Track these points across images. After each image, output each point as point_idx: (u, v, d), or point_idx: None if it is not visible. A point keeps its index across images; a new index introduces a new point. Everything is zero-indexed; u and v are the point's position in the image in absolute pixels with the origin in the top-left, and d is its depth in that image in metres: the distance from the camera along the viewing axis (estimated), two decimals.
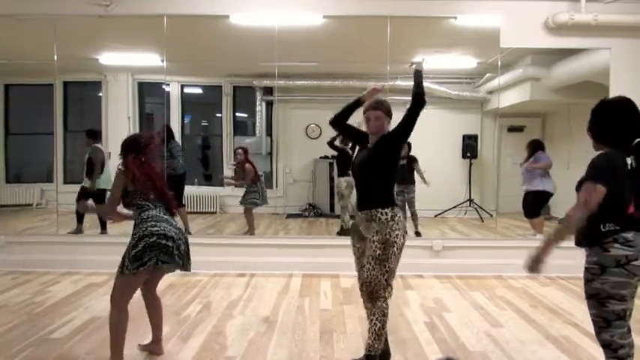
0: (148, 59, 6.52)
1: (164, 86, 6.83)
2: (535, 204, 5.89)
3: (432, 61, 7.03)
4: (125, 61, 6.87)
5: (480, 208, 6.92)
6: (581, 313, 4.00)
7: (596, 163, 2.12)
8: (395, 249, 2.64)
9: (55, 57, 5.43)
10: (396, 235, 2.65)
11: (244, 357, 3.06)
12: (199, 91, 8.37)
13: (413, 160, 6.37)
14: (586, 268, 2.15)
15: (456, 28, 5.48)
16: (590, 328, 3.61)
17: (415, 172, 6.42)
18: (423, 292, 4.59)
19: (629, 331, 2.17)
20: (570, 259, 5.29)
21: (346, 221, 6.31)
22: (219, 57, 6.89)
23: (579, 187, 2.14)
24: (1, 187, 7.45)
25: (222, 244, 5.47)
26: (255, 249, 5.38)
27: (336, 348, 3.20)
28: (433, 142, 6.77)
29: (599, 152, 2.17)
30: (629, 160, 2.15)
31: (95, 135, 6.30)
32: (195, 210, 7.47)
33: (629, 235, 2.09)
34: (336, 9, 5.20)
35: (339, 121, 2.95)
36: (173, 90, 7.51)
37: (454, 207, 7.04)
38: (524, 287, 4.75)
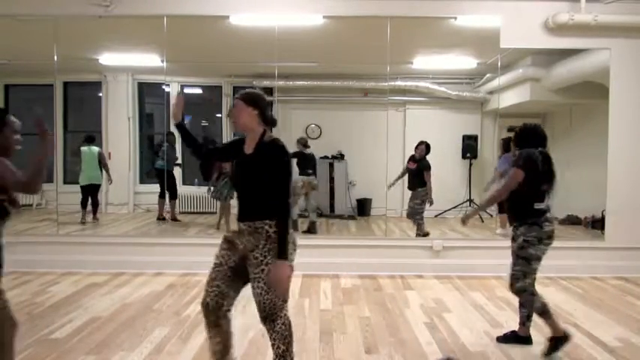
0: (148, 59, 6.53)
1: (164, 86, 6.84)
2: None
3: (432, 62, 7.05)
4: (125, 62, 6.88)
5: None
6: (582, 313, 4.01)
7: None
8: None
9: (55, 57, 5.43)
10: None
11: (244, 357, 3.06)
12: (199, 91, 8.36)
13: (426, 167, 6.15)
14: (525, 239, 3.05)
15: (456, 29, 5.48)
16: (591, 328, 3.63)
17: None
18: (423, 292, 4.59)
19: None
20: (570, 260, 5.34)
21: (312, 217, 6.55)
22: (219, 57, 6.89)
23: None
24: None
25: None
26: None
27: (336, 348, 3.21)
28: (433, 142, 6.75)
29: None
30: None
31: (86, 138, 6.86)
32: (195, 210, 7.47)
33: (549, 215, 3.08)
34: (336, 9, 5.20)
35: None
36: (173, 90, 7.50)
37: (454, 207, 7.03)
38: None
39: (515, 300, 4.32)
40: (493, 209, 6.12)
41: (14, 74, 7.01)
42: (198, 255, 5.28)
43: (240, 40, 5.85)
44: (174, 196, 7.04)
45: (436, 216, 7.03)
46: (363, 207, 7.59)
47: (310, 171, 6.69)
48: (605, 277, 5.14)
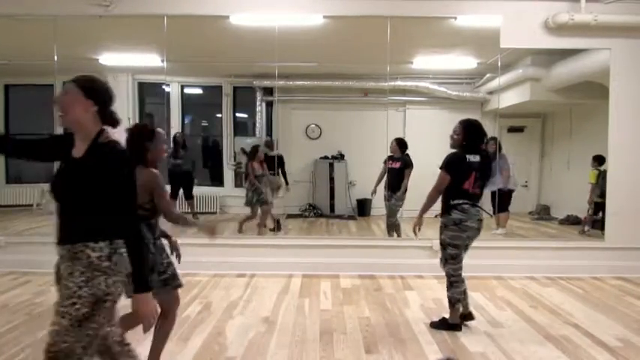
0: (148, 59, 6.52)
1: (164, 86, 6.83)
2: (501, 201, 6.02)
3: (432, 62, 7.05)
4: (125, 62, 6.87)
5: (480, 208, 6.91)
6: (582, 313, 4.00)
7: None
8: (107, 304, 1.78)
9: (55, 57, 5.43)
10: (113, 283, 1.79)
11: (244, 357, 3.06)
12: (199, 91, 8.37)
13: (408, 165, 5.94)
14: (440, 226, 3.50)
15: (456, 29, 5.48)
16: (591, 328, 3.63)
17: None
18: (423, 292, 4.59)
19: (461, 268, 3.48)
20: (570, 260, 5.34)
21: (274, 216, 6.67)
22: (219, 57, 6.89)
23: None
24: (1, 188, 7.45)
25: (222, 245, 5.46)
26: (255, 249, 5.38)
27: (336, 348, 3.20)
28: (433, 142, 6.74)
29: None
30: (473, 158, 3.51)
31: None
32: (195, 210, 7.47)
33: (466, 206, 3.44)
34: (336, 9, 5.19)
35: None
36: (173, 90, 7.51)
37: None
38: (524, 287, 4.75)
39: (514, 300, 4.34)
40: (490, 209, 6.13)
41: (14, 74, 7.01)
42: (197, 255, 5.28)
43: (240, 40, 5.85)
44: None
45: (436, 216, 7.02)
46: (363, 207, 7.60)
47: (272, 171, 6.88)
48: (605, 277, 5.13)
